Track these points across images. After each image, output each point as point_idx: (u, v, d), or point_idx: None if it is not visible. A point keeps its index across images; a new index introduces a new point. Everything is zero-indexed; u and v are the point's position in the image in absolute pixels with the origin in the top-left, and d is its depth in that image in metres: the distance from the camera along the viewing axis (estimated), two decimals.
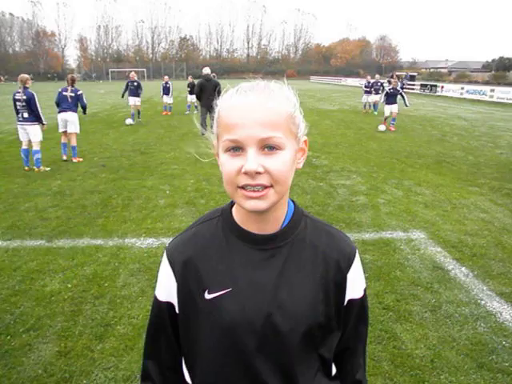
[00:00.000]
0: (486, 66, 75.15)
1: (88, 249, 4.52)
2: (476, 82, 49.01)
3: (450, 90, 33.89)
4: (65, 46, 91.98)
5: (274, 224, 0.92)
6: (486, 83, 45.74)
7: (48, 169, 8.06)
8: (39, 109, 7.92)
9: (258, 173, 0.80)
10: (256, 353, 0.88)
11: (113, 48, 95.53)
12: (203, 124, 12.54)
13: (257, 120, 0.81)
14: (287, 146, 0.84)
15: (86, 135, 12.24)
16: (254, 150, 0.81)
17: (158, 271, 1.00)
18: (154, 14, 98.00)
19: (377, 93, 18.41)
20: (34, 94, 7.92)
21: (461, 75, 60.18)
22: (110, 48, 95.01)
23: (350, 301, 0.97)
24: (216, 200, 6.07)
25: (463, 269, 4.15)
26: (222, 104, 0.88)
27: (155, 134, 12.64)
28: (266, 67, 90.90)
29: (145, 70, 74.13)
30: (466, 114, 18.97)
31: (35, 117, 7.91)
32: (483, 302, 3.54)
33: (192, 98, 17.98)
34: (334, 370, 1.02)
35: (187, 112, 18.47)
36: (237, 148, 0.82)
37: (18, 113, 7.90)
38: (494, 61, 74.99)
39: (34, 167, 8.00)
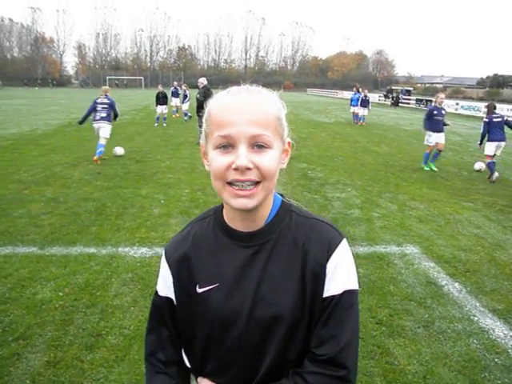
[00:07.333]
0: (481, 83, 76.14)
1: (81, 257, 4.48)
2: (471, 98, 49.58)
3: (445, 105, 34.22)
4: (63, 52, 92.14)
5: (258, 221, 0.96)
6: (481, 99, 46.28)
7: (99, 162, 9.30)
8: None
9: (248, 169, 0.85)
10: (241, 342, 0.94)
11: (111, 56, 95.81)
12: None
13: (248, 118, 0.86)
14: (274, 146, 0.89)
15: (81, 142, 12.21)
16: (245, 147, 0.85)
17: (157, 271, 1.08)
18: (153, 23, 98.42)
19: (365, 106, 19.78)
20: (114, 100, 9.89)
21: (456, 91, 60.88)
22: (108, 56, 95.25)
23: (331, 297, 0.92)
24: None
25: (456, 284, 4.16)
26: (213, 104, 0.92)
27: (151, 143, 12.63)
28: (263, 78, 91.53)
29: (142, 78, 74.39)
30: (461, 130, 19.14)
31: (112, 117, 9.78)
32: (476, 319, 3.54)
33: (162, 109, 16.65)
34: None
35: (156, 124, 16.84)
36: (227, 145, 0.86)
37: (96, 113, 9.50)
38: (488, 78, 76.06)
39: (95, 156, 9.33)
